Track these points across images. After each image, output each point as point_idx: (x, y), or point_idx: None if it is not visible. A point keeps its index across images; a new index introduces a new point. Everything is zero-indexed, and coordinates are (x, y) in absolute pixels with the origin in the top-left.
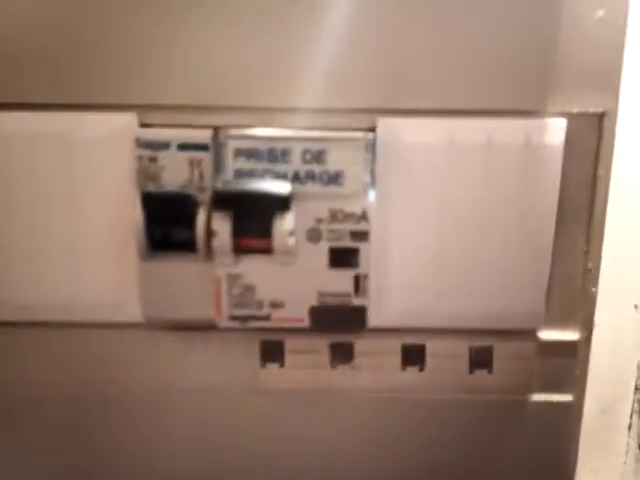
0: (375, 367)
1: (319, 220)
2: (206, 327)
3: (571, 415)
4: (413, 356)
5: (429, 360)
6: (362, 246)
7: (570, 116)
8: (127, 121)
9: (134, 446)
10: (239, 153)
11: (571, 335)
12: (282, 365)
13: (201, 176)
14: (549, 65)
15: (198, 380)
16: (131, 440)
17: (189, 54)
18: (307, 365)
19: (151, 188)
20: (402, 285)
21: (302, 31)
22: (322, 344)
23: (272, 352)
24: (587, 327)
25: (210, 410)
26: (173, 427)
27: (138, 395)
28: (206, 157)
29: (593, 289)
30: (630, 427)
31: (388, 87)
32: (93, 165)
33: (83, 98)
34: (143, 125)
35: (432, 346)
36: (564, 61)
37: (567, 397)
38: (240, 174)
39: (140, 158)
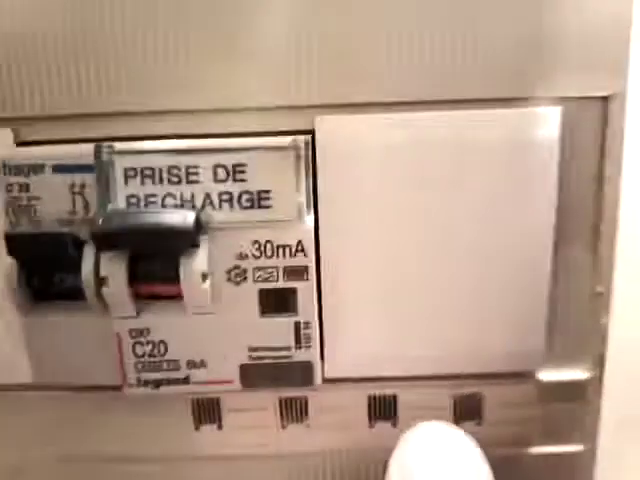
0: (336, 424)
1: (242, 256)
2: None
3: (581, 468)
4: (383, 409)
5: (403, 413)
6: (301, 286)
7: (566, 102)
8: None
9: None
10: (131, 174)
11: (578, 374)
12: (220, 427)
13: (86, 206)
14: (537, 39)
15: (115, 447)
16: None
17: None
18: (251, 425)
19: (23, 225)
20: (360, 326)
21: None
22: (268, 399)
23: (207, 411)
24: (597, 364)
25: None
26: None
27: (47, 463)
28: (90, 181)
29: (603, 318)
30: None
31: (327, 76)
32: None
33: None
34: (20, 144)
35: (406, 397)
36: (556, 33)
37: (576, 447)
38: (134, 202)
39: (8, 187)
